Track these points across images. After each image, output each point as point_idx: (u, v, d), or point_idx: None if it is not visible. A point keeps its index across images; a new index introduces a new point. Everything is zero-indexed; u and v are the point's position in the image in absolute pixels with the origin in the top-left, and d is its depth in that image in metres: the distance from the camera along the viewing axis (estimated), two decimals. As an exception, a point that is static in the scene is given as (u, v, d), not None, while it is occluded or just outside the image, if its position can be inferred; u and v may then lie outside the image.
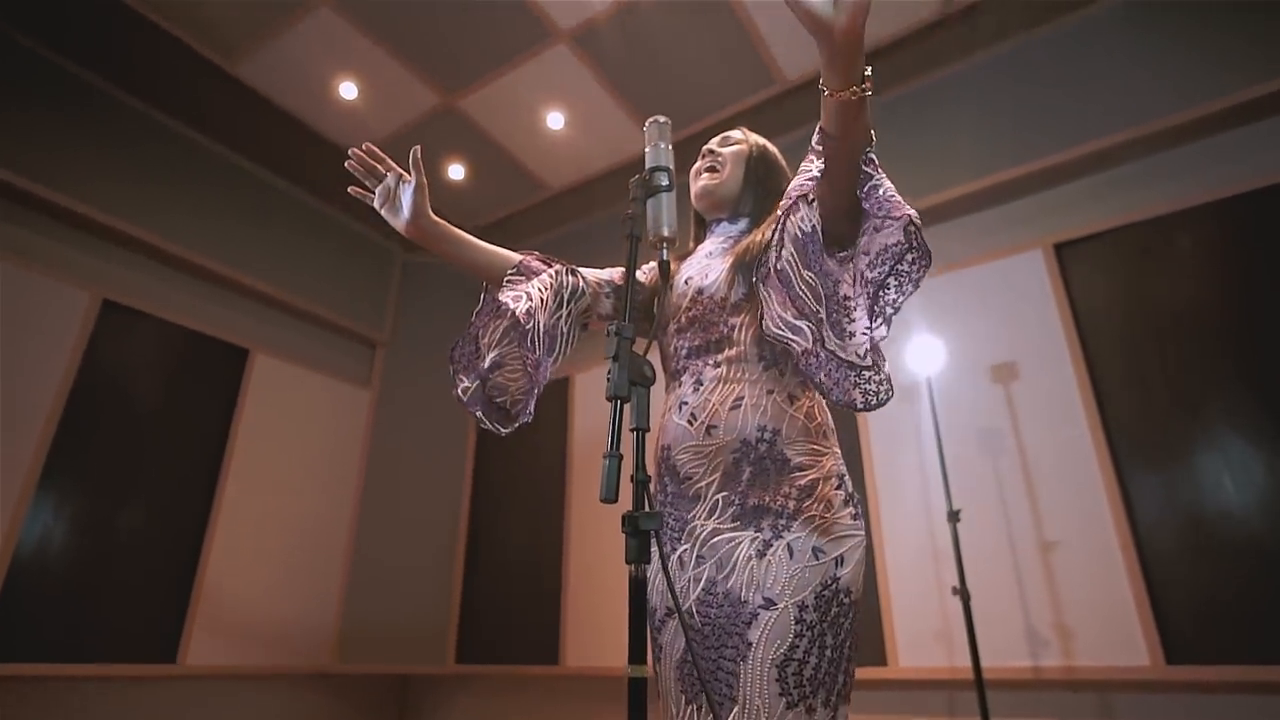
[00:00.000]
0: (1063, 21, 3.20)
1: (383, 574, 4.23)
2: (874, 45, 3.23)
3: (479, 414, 1.23)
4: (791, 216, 1.02)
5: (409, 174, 1.25)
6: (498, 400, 1.24)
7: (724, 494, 1.11)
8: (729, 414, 1.13)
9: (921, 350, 2.89)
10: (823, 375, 1.03)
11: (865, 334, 1.02)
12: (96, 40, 3.32)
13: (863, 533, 1.10)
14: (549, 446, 4.33)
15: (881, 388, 1.02)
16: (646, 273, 1.41)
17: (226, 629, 3.55)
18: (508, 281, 1.26)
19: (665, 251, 1.18)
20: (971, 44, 3.34)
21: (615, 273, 1.40)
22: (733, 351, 1.17)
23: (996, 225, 3.22)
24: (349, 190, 1.34)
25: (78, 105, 3.44)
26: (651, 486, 1.22)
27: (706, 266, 1.30)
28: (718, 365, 1.18)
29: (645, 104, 3.74)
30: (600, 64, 3.51)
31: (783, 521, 1.07)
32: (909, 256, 1.01)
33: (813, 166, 1.03)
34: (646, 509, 0.95)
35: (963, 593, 2.44)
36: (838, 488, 1.11)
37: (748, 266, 1.21)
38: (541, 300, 1.21)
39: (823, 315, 1.02)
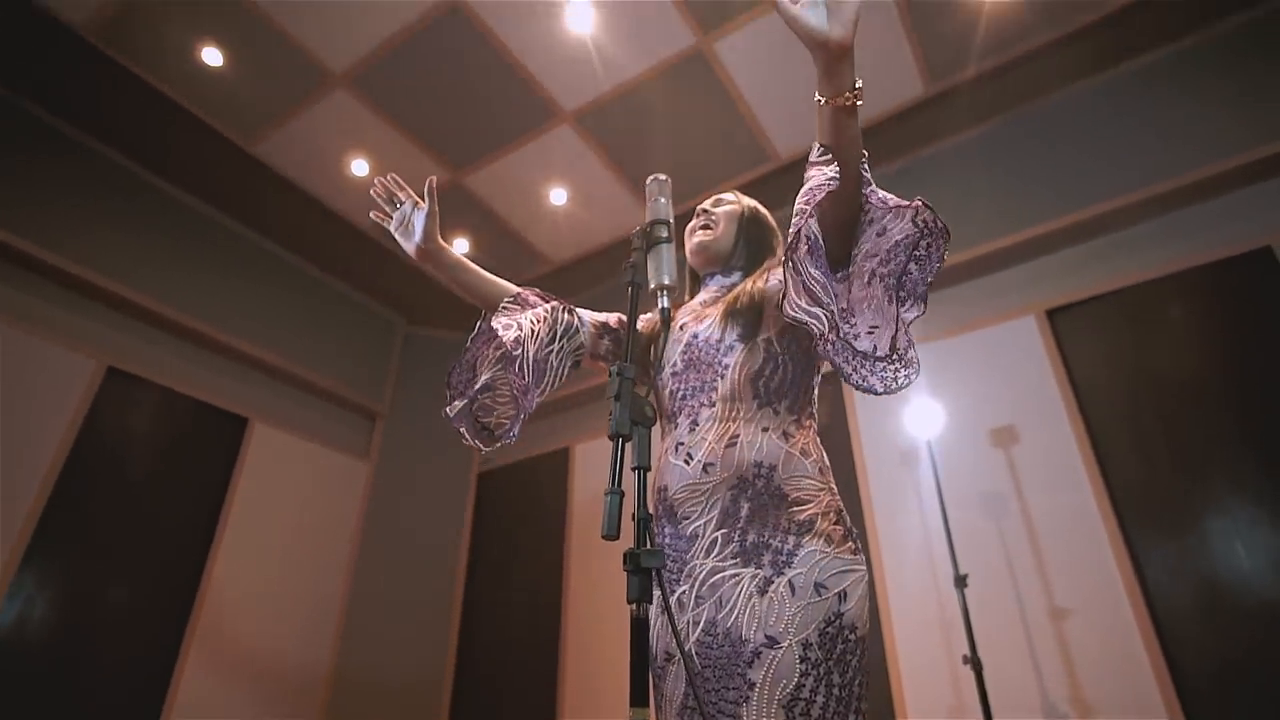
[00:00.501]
0: (1048, 98, 3.38)
1: (375, 649, 4.09)
2: (863, 123, 3.40)
3: (463, 430, 1.27)
4: (806, 221, 1.06)
5: (423, 201, 1.36)
6: (483, 420, 1.28)
7: (723, 531, 1.11)
8: (725, 451, 1.14)
9: (920, 413, 2.90)
10: (841, 360, 1.06)
11: (870, 335, 1.06)
12: (113, 113, 3.47)
13: (864, 567, 1.09)
14: (548, 519, 4.27)
15: (900, 374, 1.05)
16: (644, 321, 1.44)
17: (212, 705, 3.40)
18: (503, 309, 1.32)
19: (665, 298, 1.22)
20: (959, 120, 3.51)
21: (612, 316, 1.44)
22: (727, 391, 1.19)
23: (991, 292, 3.29)
24: (370, 215, 1.43)
25: (92, 175, 3.56)
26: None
27: (701, 313, 1.34)
28: (713, 405, 1.19)
29: (645, 181, 3.87)
30: (602, 143, 3.68)
31: (783, 558, 1.06)
32: (924, 242, 1.05)
33: (827, 170, 1.05)
34: (649, 546, 0.95)
35: (974, 661, 2.36)
36: (836, 522, 1.10)
37: (739, 313, 1.25)
38: (532, 331, 1.26)
39: (834, 309, 1.05)
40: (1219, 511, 2.50)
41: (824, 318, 1.04)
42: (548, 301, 1.36)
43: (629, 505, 0.94)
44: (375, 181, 1.40)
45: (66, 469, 3.18)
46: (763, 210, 1.49)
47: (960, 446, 3.01)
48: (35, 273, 3.31)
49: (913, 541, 2.95)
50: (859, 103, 1.03)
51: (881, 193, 1.07)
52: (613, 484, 0.94)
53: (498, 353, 1.29)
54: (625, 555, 0.93)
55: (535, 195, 4.03)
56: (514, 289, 1.37)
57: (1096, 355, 2.93)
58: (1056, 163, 3.23)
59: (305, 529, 4.12)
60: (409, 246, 1.37)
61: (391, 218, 1.40)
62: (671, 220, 1.29)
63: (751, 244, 1.42)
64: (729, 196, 1.49)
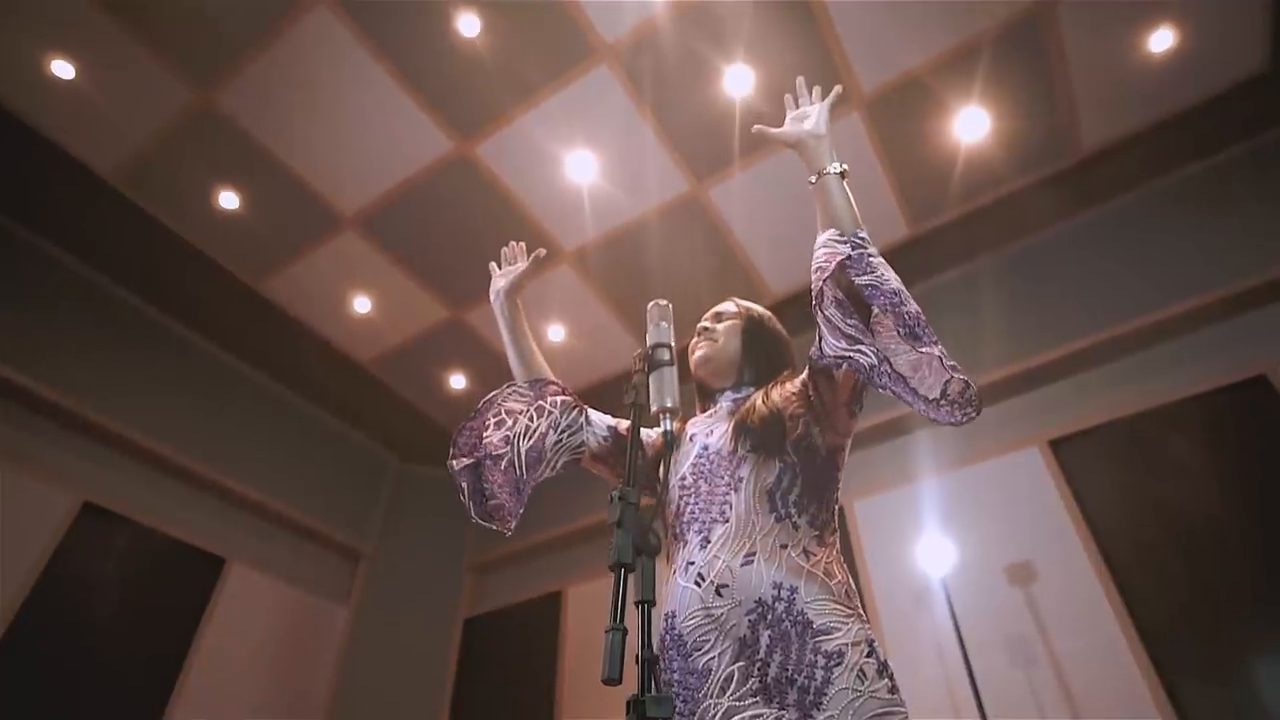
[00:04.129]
0: (1033, 235, 3.51)
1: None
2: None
3: (463, 485, 1.26)
4: (825, 279, 1.09)
5: (530, 262, 1.53)
6: (484, 487, 1.25)
7: (740, 664, 0.99)
8: (740, 570, 1.04)
9: (932, 550, 2.78)
10: (899, 390, 1.01)
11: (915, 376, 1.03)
12: (125, 252, 3.55)
13: (905, 709, 0.96)
14: (538, 670, 3.96)
15: (957, 412, 0.99)
16: (651, 434, 1.39)
17: None
18: (514, 392, 1.35)
19: (668, 420, 1.18)
20: (947, 258, 3.65)
21: (622, 423, 1.38)
22: (742, 506, 1.12)
23: (992, 425, 3.25)
24: (491, 265, 1.60)
25: (94, 310, 3.58)
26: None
27: (711, 426, 1.29)
28: (726, 520, 1.11)
29: (639, 317, 3.96)
30: (599, 281, 3.79)
31: (810, 696, 0.94)
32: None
33: (841, 247, 1.12)
34: (655, 692, 0.86)
35: (1017, 837, 2.09)
36: (869, 655, 0.98)
37: (751, 427, 1.20)
38: (527, 428, 1.27)
39: (876, 345, 1.03)
40: (1260, 649, 2.33)
41: (869, 351, 1.03)
42: (564, 395, 1.34)
43: (633, 644, 0.86)
44: (511, 243, 1.61)
45: (31, 601, 2.98)
46: (769, 320, 1.45)
47: (976, 585, 2.85)
48: (24, 405, 3.26)
49: (934, 691, 2.71)
50: (843, 175, 1.20)
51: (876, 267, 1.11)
52: (614, 620, 0.86)
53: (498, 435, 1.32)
54: (628, 703, 0.83)
55: (534, 332, 4.08)
56: (546, 374, 1.40)
57: (1104, 486, 2.85)
58: (1046, 297, 3.32)
59: (275, 677, 3.81)
60: (495, 285, 1.53)
61: (500, 269, 1.57)
62: (673, 344, 1.27)
63: (760, 356, 1.38)
64: (730, 308, 1.44)
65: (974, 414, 1.00)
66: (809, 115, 1.30)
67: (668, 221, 3.49)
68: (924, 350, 1.01)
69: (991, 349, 3.30)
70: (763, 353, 1.38)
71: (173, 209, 3.38)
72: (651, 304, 1.36)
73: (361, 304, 3.88)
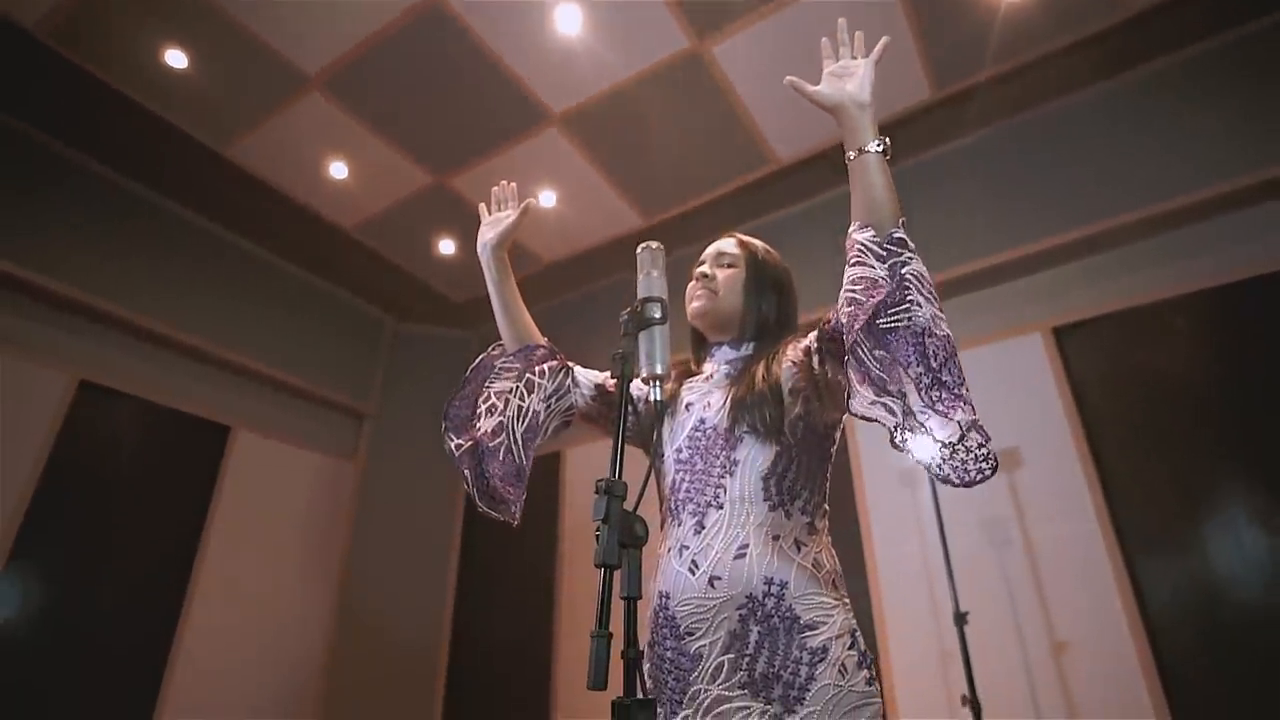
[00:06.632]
0: (1058, 104, 3.21)
1: (364, 663, 4.05)
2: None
3: (465, 472, 1.26)
4: (862, 315, 0.99)
5: (518, 213, 1.43)
6: (486, 476, 1.26)
7: (729, 656, 1.03)
8: (733, 563, 1.07)
9: (921, 438, 2.82)
10: (915, 445, 0.98)
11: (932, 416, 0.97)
12: (73, 117, 3.29)
13: (880, 699, 1.03)
14: (541, 522, 4.20)
15: (971, 468, 0.94)
16: (643, 388, 1.35)
17: (208, 706, 3.38)
18: (502, 368, 1.35)
19: (657, 389, 1.12)
20: (966, 125, 3.37)
21: (609, 380, 1.37)
22: (737, 492, 1.12)
23: (995, 306, 3.18)
24: (480, 205, 1.51)
25: (54, 181, 3.37)
26: (647, 635, 1.13)
27: (708, 394, 1.24)
28: (720, 506, 1.11)
29: (636, 182, 3.75)
30: (591, 145, 3.52)
31: (794, 692, 0.99)
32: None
33: (878, 267, 1.02)
34: (640, 694, 0.88)
35: (973, 703, 2.31)
36: (850, 647, 1.03)
37: (749, 406, 1.16)
38: (520, 410, 1.28)
39: (905, 391, 0.97)
40: (1223, 536, 2.45)
41: (894, 406, 0.97)
42: (550, 360, 1.34)
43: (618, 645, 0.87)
44: (502, 183, 1.49)
45: (43, 483, 3.09)
46: (772, 262, 1.36)
47: (961, 470, 2.93)
48: (6, 288, 3.16)
49: (912, 572, 2.89)
50: (885, 152, 1.07)
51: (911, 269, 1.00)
52: (599, 624, 0.86)
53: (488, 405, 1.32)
54: (613, 706, 0.85)
55: (524, 196, 3.86)
56: (536, 335, 1.39)
57: (1104, 377, 2.84)
58: (1065, 174, 3.09)
59: (293, 534, 4.06)
60: (485, 236, 1.43)
61: (490, 213, 1.47)
62: (665, 296, 1.17)
63: (763, 307, 1.31)
64: (732, 250, 1.36)
65: (989, 474, 0.94)
66: (851, 73, 1.16)
67: (666, 81, 3.16)
68: (945, 406, 0.93)
69: (1001, 225, 3.13)
70: (766, 304, 1.31)
71: (117, 70, 3.04)
72: (641, 247, 1.24)
73: (338, 169, 3.64)
